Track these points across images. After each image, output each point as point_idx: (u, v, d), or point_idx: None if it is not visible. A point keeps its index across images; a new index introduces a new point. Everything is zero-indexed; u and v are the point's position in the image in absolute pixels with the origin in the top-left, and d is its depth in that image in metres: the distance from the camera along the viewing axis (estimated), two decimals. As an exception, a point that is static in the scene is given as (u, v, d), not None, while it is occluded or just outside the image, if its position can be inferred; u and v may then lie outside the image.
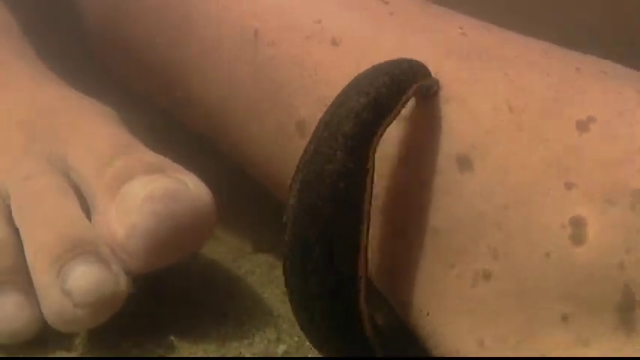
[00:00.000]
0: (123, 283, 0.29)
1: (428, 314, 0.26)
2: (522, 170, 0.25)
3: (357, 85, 0.25)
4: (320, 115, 0.25)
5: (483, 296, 0.25)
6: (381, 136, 0.25)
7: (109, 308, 0.29)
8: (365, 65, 0.26)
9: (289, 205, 0.25)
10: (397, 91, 0.25)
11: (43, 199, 0.31)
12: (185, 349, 0.31)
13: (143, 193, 0.29)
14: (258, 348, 0.31)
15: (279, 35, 0.30)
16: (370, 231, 0.25)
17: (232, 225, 0.37)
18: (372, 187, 0.25)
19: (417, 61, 0.26)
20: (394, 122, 0.25)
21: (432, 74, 0.26)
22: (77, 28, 0.42)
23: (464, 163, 0.26)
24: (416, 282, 0.27)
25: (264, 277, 0.35)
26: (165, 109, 0.38)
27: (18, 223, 0.31)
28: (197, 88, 0.34)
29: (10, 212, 0.32)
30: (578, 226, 0.24)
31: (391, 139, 0.27)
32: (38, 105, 0.35)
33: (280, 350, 0.31)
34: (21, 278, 0.30)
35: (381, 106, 0.24)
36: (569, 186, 0.24)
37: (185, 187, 0.30)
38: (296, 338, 0.31)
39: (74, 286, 0.29)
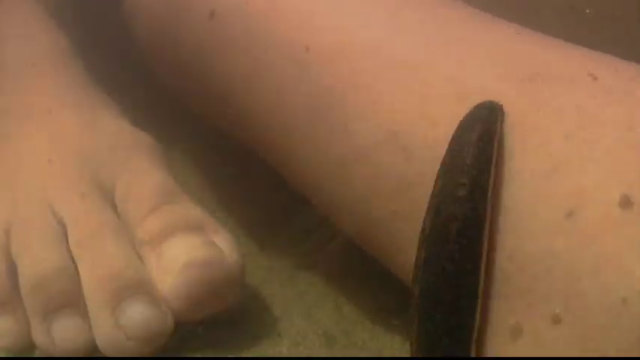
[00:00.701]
0: (170, 321, 0.32)
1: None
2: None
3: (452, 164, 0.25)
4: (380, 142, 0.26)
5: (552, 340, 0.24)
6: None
7: (157, 342, 0.32)
8: (427, 92, 0.26)
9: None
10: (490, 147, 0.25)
11: (102, 237, 0.34)
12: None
13: (183, 260, 0.32)
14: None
15: (332, 55, 0.30)
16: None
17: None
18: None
19: (494, 106, 0.26)
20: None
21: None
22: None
23: None
24: None
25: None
26: (214, 120, 0.38)
27: (76, 255, 0.34)
28: (247, 102, 0.33)
29: (66, 238, 0.34)
30: None
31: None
32: (96, 136, 0.38)
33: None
34: (79, 304, 0.33)
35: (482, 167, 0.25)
36: None
37: (220, 256, 0.33)
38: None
39: (128, 322, 0.32)
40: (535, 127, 0.25)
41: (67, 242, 0.34)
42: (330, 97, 0.30)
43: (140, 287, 0.32)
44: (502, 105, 0.26)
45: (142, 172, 0.36)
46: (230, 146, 0.38)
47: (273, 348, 0.32)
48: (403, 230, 0.28)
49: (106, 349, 0.32)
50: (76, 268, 0.33)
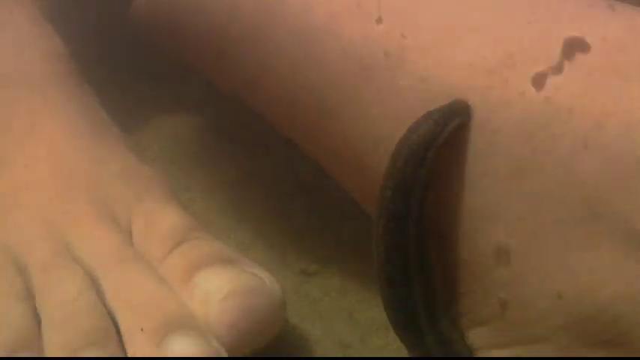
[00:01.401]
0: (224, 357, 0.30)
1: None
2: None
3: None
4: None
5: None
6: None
7: None
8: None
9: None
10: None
11: (139, 283, 0.32)
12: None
13: (226, 288, 0.30)
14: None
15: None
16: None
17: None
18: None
19: (454, 108, 0.27)
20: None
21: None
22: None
23: None
24: None
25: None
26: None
27: (112, 306, 0.31)
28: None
29: (91, 281, 0.32)
30: None
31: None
32: (103, 169, 0.36)
33: None
34: (112, 344, 0.30)
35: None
36: None
37: (262, 283, 0.31)
38: None
39: (178, 355, 0.29)
40: (499, 126, 0.26)
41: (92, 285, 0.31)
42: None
43: (186, 321, 0.30)
44: (467, 106, 0.26)
45: (159, 210, 0.35)
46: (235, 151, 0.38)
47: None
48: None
49: None
50: (107, 312, 0.31)
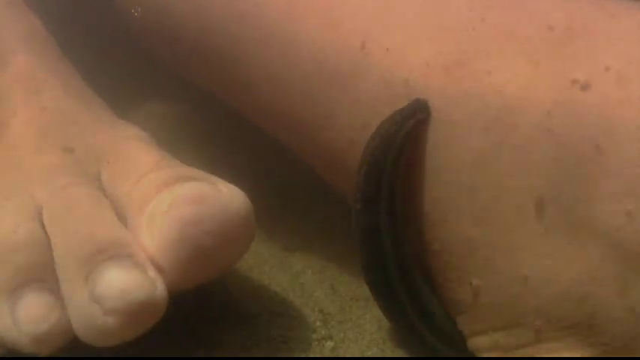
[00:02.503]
0: (160, 290, 0.26)
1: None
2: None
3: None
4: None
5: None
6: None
7: (144, 318, 0.26)
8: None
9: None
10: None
11: (76, 205, 0.29)
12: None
13: (169, 199, 0.27)
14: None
15: None
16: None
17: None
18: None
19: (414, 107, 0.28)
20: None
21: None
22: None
23: None
24: None
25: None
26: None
27: (49, 229, 0.29)
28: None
29: (41, 218, 0.30)
30: None
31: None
32: (76, 125, 0.34)
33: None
34: (51, 279, 0.27)
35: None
36: None
37: (216, 191, 0.27)
38: (341, 335, 0.32)
39: (105, 291, 0.26)
40: (457, 119, 0.27)
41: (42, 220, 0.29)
42: None
43: (118, 249, 0.26)
44: (427, 104, 0.28)
45: (127, 153, 0.32)
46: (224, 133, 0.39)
47: (270, 326, 0.33)
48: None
49: (84, 335, 0.26)
50: (49, 243, 0.28)
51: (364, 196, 0.28)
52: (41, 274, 0.27)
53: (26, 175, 0.31)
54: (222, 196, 0.27)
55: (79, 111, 0.35)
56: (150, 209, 0.28)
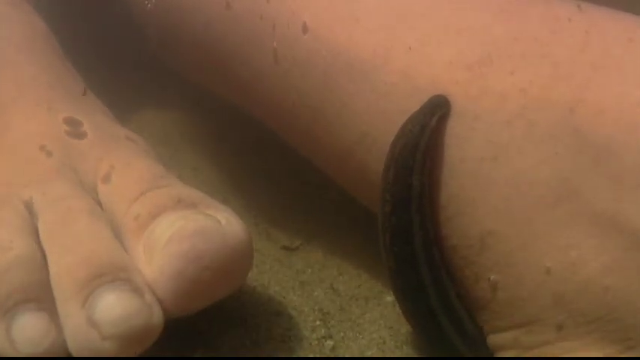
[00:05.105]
0: (157, 316, 0.27)
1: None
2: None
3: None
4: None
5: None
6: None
7: (140, 342, 0.26)
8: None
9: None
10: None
11: (73, 220, 0.29)
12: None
13: (169, 233, 0.27)
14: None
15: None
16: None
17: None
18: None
19: (437, 102, 0.28)
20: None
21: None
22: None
23: None
24: None
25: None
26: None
27: (45, 245, 0.29)
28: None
29: (37, 231, 0.30)
30: None
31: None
32: (79, 131, 0.34)
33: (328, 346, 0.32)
34: (47, 298, 0.27)
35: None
36: None
37: (216, 225, 0.28)
38: (341, 334, 0.32)
39: (103, 317, 0.26)
40: (478, 114, 0.27)
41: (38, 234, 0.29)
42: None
43: (117, 272, 0.27)
44: (447, 99, 0.28)
45: (125, 165, 0.32)
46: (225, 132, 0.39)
47: (270, 326, 0.33)
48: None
49: (78, 352, 0.26)
50: (45, 259, 0.28)
51: (394, 197, 0.28)
52: (37, 293, 0.27)
53: (22, 180, 0.31)
54: (220, 228, 0.28)
55: (79, 115, 0.35)
56: (147, 235, 0.28)
